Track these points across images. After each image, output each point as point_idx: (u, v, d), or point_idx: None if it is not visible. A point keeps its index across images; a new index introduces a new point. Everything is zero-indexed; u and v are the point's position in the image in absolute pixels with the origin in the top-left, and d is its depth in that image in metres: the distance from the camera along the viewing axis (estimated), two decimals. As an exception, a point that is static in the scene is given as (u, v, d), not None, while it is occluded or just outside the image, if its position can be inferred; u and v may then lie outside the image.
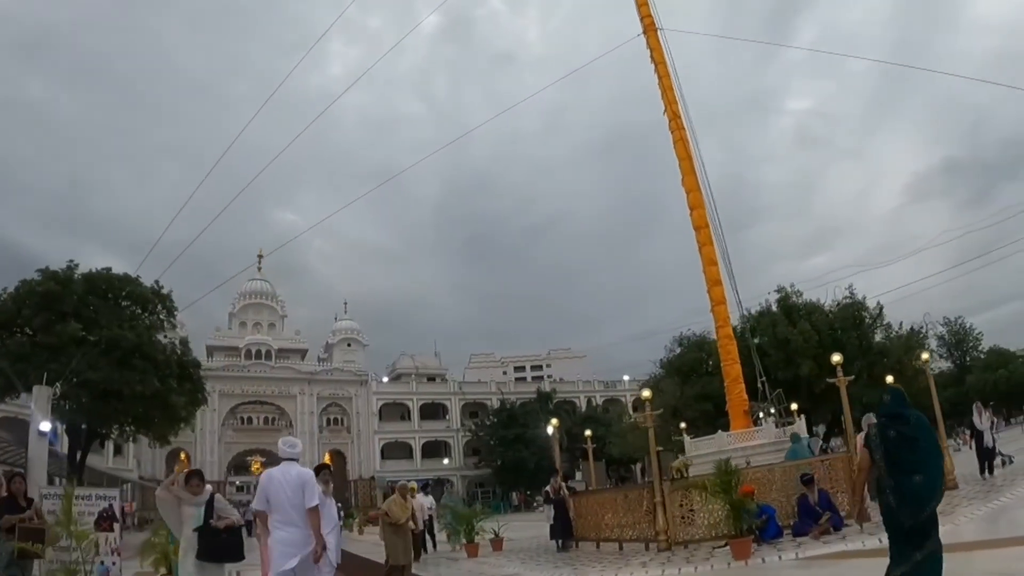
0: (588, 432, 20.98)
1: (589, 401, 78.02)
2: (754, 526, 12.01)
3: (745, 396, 21.07)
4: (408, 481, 12.50)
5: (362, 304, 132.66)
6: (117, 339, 27.11)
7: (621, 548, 14.89)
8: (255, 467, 62.28)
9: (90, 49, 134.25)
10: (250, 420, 66.80)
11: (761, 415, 22.24)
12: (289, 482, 6.36)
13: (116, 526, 10.11)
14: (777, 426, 20.30)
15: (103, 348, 26.88)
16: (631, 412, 72.29)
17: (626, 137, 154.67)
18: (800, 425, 20.92)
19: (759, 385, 21.64)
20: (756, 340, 43.10)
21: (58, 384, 22.56)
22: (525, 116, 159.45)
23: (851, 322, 39.23)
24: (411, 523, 12.96)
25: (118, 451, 49.35)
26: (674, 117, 25.37)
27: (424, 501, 18.90)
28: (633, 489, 15.77)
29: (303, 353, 77.31)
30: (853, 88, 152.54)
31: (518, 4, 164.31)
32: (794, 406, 24.10)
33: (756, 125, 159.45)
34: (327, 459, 66.24)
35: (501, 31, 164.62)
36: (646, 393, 14.71)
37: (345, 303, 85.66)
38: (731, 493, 11.85)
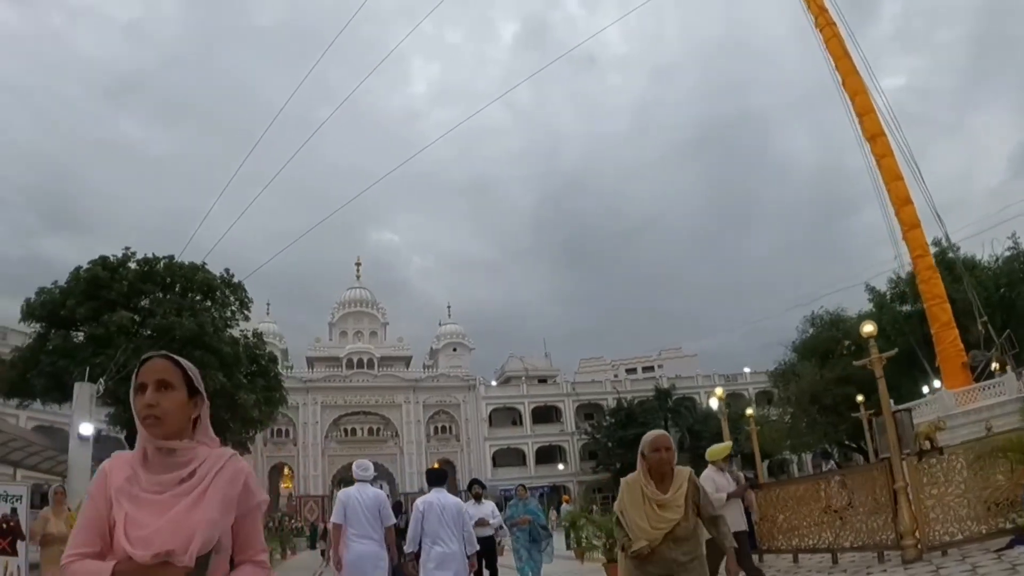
0: (749, 411, 15.94)
1: (709, 397, 72.01)
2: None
3: (960, 344, 15.63)
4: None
5: (465, 317, 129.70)
6: (171, 326, 23.56)
7: (836, 560, 10.03)
8: (362, 480, 59.21)
9: (176, 87, 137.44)
10: (354, 431, 63.80)
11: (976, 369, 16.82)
12: (364, 500, 6.79)
13: (21, 545, 5.97)
14: (1019, 379, 14.69)
15: (154, 337, 23.14)
16: (755, 405, 66.46)
17: (713, 132, 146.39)
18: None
19: (980, 328, 16.10)
20: (906, 307, 37.25)
21: (102, 380, 19.26)
22: (613, 118, 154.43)
23: (1019, 276, 33.86)
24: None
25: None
26: (820, 12, 20.62)
27: (479, 511, 9.78)
28: (856, 472, 10.72)
29: (407, 360, 74.07)
30: (946, 61, 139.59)
31: (594, 5, 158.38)
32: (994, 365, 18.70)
33: (846, 108, 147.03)
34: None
35: (579, 34, 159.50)
36: (868, 328, 9.79)
37: (448, 306, 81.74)
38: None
